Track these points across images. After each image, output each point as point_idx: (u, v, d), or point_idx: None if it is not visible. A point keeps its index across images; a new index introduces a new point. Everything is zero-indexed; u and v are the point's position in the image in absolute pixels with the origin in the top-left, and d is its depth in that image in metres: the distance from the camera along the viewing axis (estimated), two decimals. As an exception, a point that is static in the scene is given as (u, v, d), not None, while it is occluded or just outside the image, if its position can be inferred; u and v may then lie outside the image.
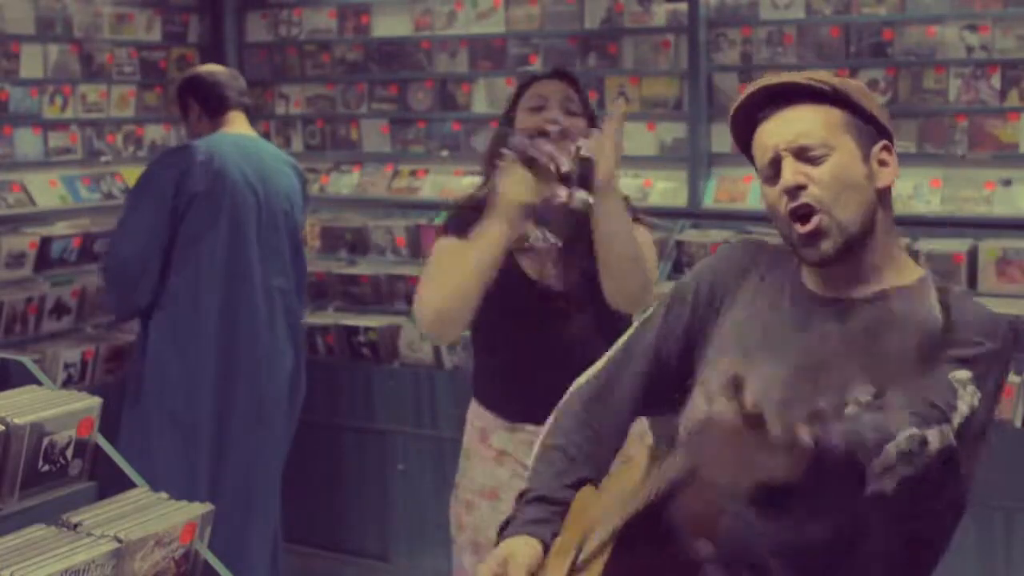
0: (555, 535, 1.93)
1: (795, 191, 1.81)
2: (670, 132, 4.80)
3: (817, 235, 1.82)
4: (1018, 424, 3.66)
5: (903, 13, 4.44)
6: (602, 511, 1.82)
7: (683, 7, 4.73)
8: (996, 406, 1.78)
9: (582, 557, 1.80)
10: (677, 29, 4.79)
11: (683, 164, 4.68)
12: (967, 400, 1.67)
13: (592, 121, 2.80)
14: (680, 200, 4.73)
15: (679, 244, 4.46)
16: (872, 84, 4.48)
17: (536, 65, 5.08)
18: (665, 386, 2.01)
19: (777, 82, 1.89)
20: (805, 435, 1.44)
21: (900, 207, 4.29)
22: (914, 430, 1.58)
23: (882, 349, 1.71)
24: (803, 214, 1.82)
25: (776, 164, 1.84)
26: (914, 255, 4.01)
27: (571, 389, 2.12)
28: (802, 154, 1.83)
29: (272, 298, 4.10)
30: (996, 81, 4.29)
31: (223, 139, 4.08)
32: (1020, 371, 3.75)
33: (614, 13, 4.92)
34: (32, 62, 4.89)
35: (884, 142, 1.90)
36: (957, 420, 1.64)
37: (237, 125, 4.12)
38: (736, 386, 1.39)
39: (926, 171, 4.41)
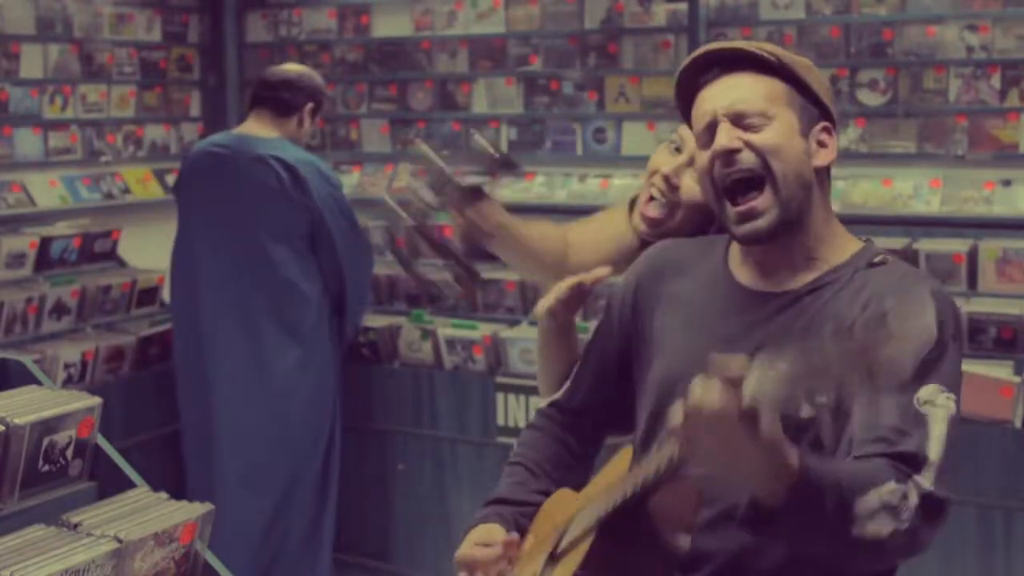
0: (521, 532, 1.93)
1: (728, 156, 1.77)
2: (670, 132, 4.80)
3: (753, 213, 1.77)
4: (1018, 424, 3.66)
5: (903, 13, 4.44)
6: (586, 502, 1.82)
7: (683, 7, 4.73)
8: (962, 384, 1.74)
9: (563, 545, 1.80)
10: (677, 29, 4.79)
11: (683, 164, 4.68)
12: (941, 417, 1.63)
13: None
14: (680, 200, 4.72)
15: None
16: (872, 84, 4.48)
17: (536, 65, 5.08)
18: (615, 395, 2.02)
19: (723, 47, 1.85)
20: (792, 457, 1.44)
21: (900, 207, 4.32)
22: (894, 483, 1.55)
23: (800, 335, 1.70)
24: (738, 181, 1.77)
25: (712, 128, 1.80)
26: (913, 256, 4.02)
27: (539, 406, 2.14)
28: (739, 120, 1.78)
29: (219, 299, 4.15)
30: (996, 81, 4.29)
31: (217, 138, 4.34)
32: (1020, 371, 3.75)
33: (614, 13, 4.92)
34: (32, 62, 4.89)
35: (825, 123, 1.84)
36: (934, 453, 1.60)
37: (249, 124, 4.21)
38: (737, 382, 1.38)
39: (926, 171, 4.41)
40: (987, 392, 3.65)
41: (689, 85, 1.88)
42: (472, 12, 5.20)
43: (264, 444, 4.17)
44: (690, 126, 1.91)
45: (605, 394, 2.04)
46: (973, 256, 4.08)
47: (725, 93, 1.81)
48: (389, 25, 5.42)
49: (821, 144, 1.83)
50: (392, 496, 4.70)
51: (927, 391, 1.64)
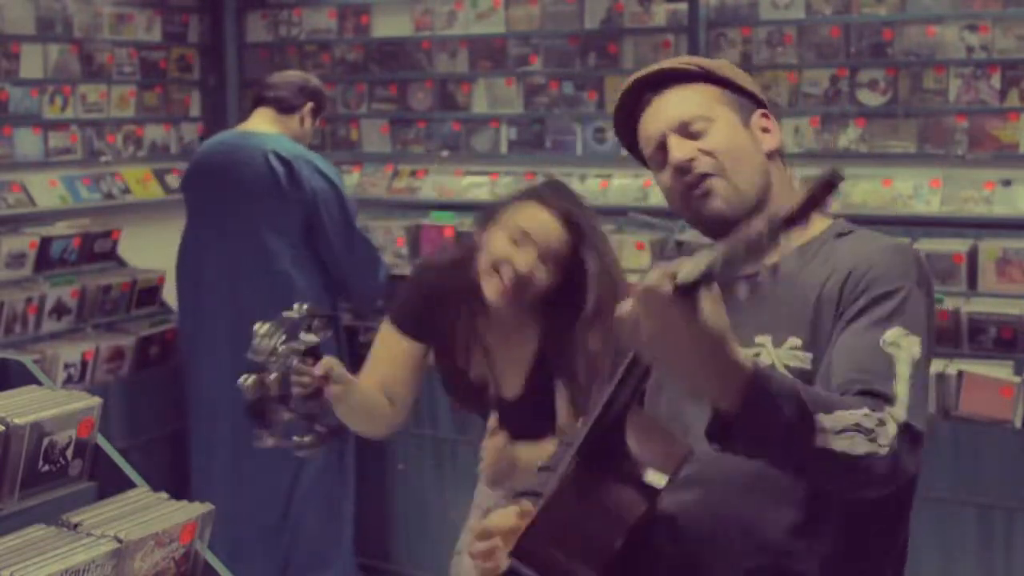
0: None
1: (686, 166, 1.84)
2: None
3: (708, 194, 1.84)
4: (1018, 424, 3.66)
5: (903, 13, 4.44)
6: None
7: (683, 7, 4.74)
8: (933, 330, 1.77)
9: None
10: (677, 29, 4.79)
11: (683, 164, 4.68)
12: (905, 359, 1.66)
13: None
14: (680, 200, 4.73)
15: (679, 244, 4.46)
16: (872, 84, 4.48)
17: (536, 65, 5.08)
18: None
19: (645, 73, 1.93)
20: (742, 358, 1.47)
21: (900, 207, 4.32)
22: (868, 410, 1.58)
23: (788, 307, 1.78)
24: (697, 183, 1.84)
25: (663, 147, 1.87)
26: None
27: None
28: (684, 130, 1.86)
29: (221, 292, 4.20)
30: (996, 81, 4.29)
31: (221, 135, 4.39)
32: (1020, 371, 3.75)
33: (614, 13, 4.92)
34: (32, 62, 4.89)
35: (761, 110, 1.93)
36: (902, 390, 1.63)
37: (251, 122, 4.26)
38: (672, 272, 1.43)
39: (926, 171, 4.41)
40: (987, 392, 3.65)
41: (628, 121, 1.95)
42: (472, 12, 5.20)
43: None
44: (638, 158, 1.98)
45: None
46: (973, 256, 4.08)
47: (663, 111, 1.89)
48: (389, 25, 5.42)
49: (764, 130, 1.91)
50: (392, 496, 4.71)
51: (892, 334, 1.68)
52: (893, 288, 1.72)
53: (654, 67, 1.92)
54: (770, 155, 1.89)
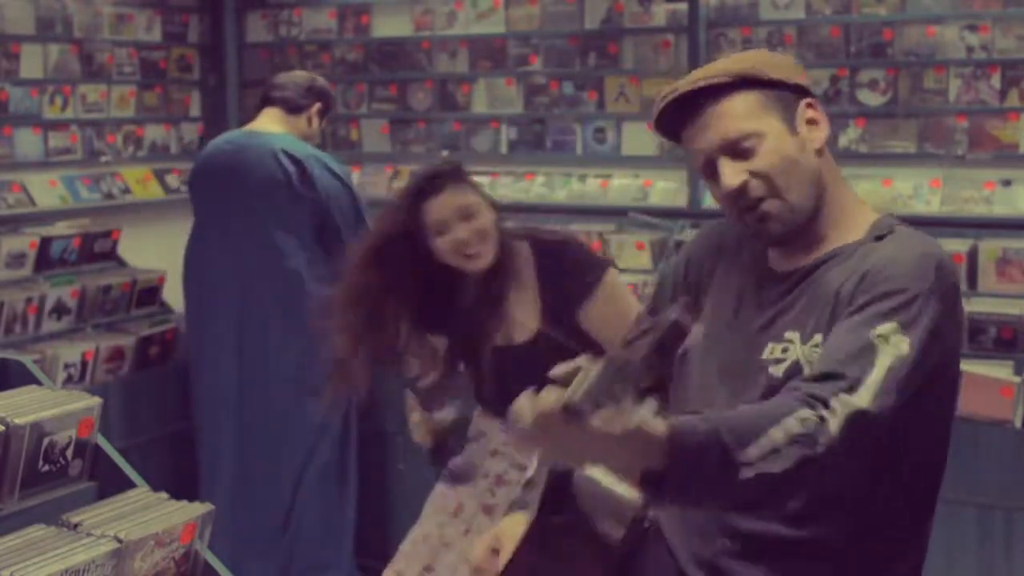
0: None
1: (739, 194, 1.79)
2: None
3: (765, 218, 1.80)
4: (1018, 424, 3.66)
5: (903, 13, 4.44)
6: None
7: (683, 7, 4.74)
8: (946, 345, 1.74)
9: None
10: (677, 29, 4.79)
11: (683, 164, 4.68)
12: (891, 352, 1.64)
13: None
14: (680, 200, 4.73)
15: (679, 244, 4.46)
16: (872, 84, 4.48)
17: (536, 65, 5.08)
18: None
19: (678, 94, 1.83)
20: (656, 429, 1.48)
21: (900, 207, 4.32)
22: (806, 411, 1.56)
23: (816, 305, 1.78)
24: (753, 207, 1.82)
25: (711, 166, 1.82)
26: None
27: None
28: (732, 150, 1.80)
29: (232, 288, 4.20)
30: (996, 81, 4.29)
31: (228, 135, 4.36)
32: (1020, 371, 3.76)
33: (614, 13, 4.92)
34: (32, 62, 4.89)
35: (806, 100, 1.85)
36: (874, 378, 1.62)
37: (259, 121, 4.25)
38: (567, 379, 1.46)
39: (926, 171, 4.41)
40: (987, 392, 3.65)
41: (671, 125, 1.88)
42: (472, 12, 5.20)
43: (270, 432, 4.21)
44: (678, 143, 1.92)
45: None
46: (973, 256, 4.08)
47: (708, 132, 1.81)
48: (389, 25, 5.42)
49: (811, 122, 1.84)
50: (392, 496, 4.70)
51: (885, 327, 1.66)
52: (900, 288, 1.70)
53: (687, 85, 1.82)
54: (820, 152, 1.84)
